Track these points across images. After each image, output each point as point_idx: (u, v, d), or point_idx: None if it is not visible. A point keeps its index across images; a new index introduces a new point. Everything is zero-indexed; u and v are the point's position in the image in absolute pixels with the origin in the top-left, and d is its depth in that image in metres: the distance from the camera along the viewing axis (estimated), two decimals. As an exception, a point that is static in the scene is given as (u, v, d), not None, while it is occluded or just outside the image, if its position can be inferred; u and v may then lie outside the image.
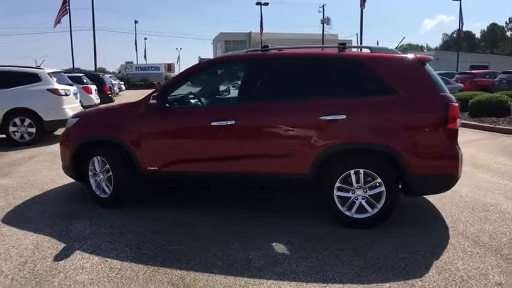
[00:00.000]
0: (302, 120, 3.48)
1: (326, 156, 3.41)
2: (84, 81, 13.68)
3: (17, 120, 7.61)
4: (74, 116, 4.35)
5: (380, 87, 3.40)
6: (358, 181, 3.42)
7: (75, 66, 31.55)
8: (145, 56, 60.13)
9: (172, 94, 3.91)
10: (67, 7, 29.41)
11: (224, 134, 3.61)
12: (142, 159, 3.85)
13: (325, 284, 2.61)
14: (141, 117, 3.82)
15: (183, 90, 4.12)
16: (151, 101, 3.62)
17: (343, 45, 3.68)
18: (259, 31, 44.39)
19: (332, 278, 2.69)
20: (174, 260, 2.95)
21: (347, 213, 3.47)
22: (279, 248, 3.15)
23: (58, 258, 2.99)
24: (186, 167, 3.81)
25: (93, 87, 13.55)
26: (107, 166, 3.96)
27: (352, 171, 3.40)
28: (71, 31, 30.84)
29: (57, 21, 28.32)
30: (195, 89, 4.31)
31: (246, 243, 3.21)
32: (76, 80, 13.67)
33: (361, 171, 3.38)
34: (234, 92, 3.99)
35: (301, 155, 3.46)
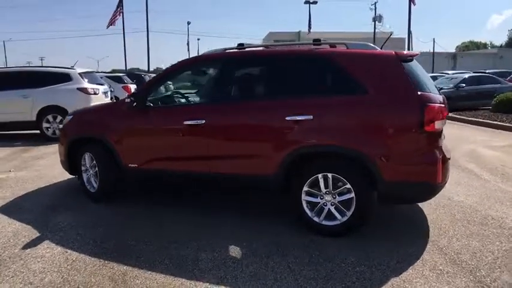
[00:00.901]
0: (268, 120, 3.36)
1: (293, 158, 3.26)
2: (125, 81, 14.49)
3: (50, 117, 8.25)
4: (70, 114, 4.60)
5: (350, 85, 3.18)
6: (326, 186, 3.23)
7: (135, 67, 33.61)
8: (198, 57, 61.96)
9: (153, 93, 3.97)
10: (121, 10, 31.34)
11: (196, 134, 3.60)
12: (124, 156, 3.97)
13: (260, 293, 2.50)
14: (122, 115, 3.95)
15: (168, 89, 4.17)
16: (127, 100, 3.72)
17: (317, 42, 3.48)
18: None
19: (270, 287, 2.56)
20: (127, 256, 3.00)
21: (315, 219, 3.29)
22: (234, 251, 3.07)
23: (26, 246, 3.18)
24: (162, 164, 3.86)
25: (133, 87, 14.27)
26: (94, 162, 4.16)
27: (320, 176, 3.21)
28: (124, 33, 32.87)
29: (111, 23, 30.23)
30: (181, 88, 4.35)
31: (204, 244, 3.17)
32: (117, 80, 14.53)
33: (330, 175, 3.19)
34: (208, 91, 3.95)
35: (268, 156, 3.34)
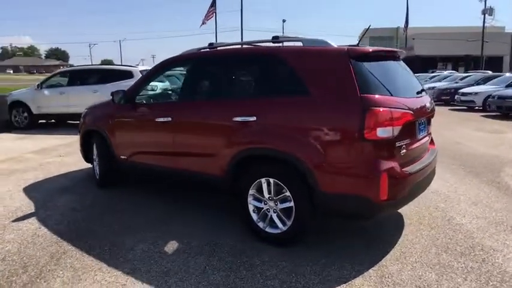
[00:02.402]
0: (218, 120, 3.33)
1: (238, 160, 3.18)
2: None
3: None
4: (86, 108, 5.17)
5: (293, 86, 2.97)
6: (269, 192, 3.08)
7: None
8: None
9: (140, 91, 4.25)
10: (214, 9, 33.27)
11: (165, 130, 3.76)
12: (116, 148, 4.36)
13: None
14: (115, 110, 4.32)
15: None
16: (111, 97, 4.07)
17: (275, 39, 3.31)
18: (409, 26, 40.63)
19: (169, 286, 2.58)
20: (81, 238, 3.30)
21: (260, 224, 3.18)
22: (171, 246, 3.15)
23: (16, 220, 3.74)
24: (144, 158, 4.13)
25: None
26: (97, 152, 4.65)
27: (263, 180, 3.09)
28: (216, 32, 34.88)
29: (203, 23, 32.31)
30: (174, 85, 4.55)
31: (151, 236, 3.32)
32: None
33: (271, 180, 3.04)
34: (177, 90, 4.07)
35: (218, 156, 3.32)
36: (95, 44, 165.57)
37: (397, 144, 2.73)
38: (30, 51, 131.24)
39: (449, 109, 15.07)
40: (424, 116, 3.17)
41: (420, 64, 44.57)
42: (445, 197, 4.31)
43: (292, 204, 2.95)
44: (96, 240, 3.27)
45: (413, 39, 45.69)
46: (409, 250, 3.03)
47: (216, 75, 3.63)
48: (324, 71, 2.85)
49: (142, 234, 3.36)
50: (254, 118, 3.06)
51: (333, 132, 2.73)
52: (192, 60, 3.82)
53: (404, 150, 2.81)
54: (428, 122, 3.44)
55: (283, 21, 57.42)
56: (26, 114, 10.07)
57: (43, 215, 3.87)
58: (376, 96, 2.66)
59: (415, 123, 3.03)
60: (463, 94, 14.69)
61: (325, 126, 2.76)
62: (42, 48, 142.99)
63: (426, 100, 3.28)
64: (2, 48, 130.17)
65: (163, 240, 3.26)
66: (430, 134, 3.58)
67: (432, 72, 29.22)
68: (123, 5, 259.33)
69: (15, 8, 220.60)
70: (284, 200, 3.02)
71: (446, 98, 16.78)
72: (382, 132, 2.61)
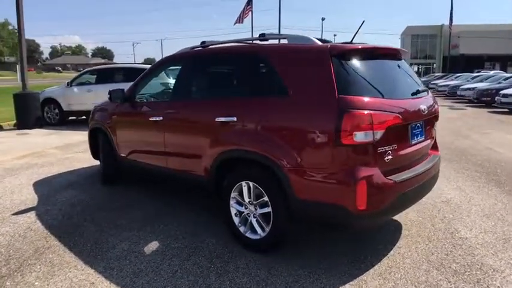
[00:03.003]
0: (203, 121, 3.26)
1: (220, 161, 3.10)
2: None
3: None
4: (94, 106, 5.28)
5: (273, 85, 2.84)
6: (250, 196, 2.97)
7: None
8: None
9: (139, 89, 4.26)
10: (250, 8, 33.34)
11: (157, 129, 3.75)
12: (117, 146, 4.43)
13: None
14: (116, 109, 4.39)
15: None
16: (108, 95, 4.12)
17: (262, 36, 3.17)
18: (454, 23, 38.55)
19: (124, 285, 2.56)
20: (69, 234, 3.37)
21: (241, 229, 3.08)
22: (151, 247, 3.12)
23: (17, 213, 3.89)
24: (139, 156, 4.16)
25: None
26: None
27: (243, 183, 2.99)
28: (252, 30, 34.96)
29: (238, 21, 32.39)
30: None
31: (134, 235, 3.32)
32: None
33: (251, 184, 2.93)
34: (169, 90, 4.04)
35: (203, 157, 3.26)
36: (138, 43, 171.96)
37: (380, 149, 2.52)
38: (78, 50, 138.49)
39: (488, 111, 14.08)
40: (419, 119, 2.91)
41: (465, 63, 42.17)
42: (455, 207, 3.97)
43: (270, 209, 2.83)
44: (82, 237, 3.32)
45: (459, 37, 43.29)
46: (397, 265, 2.80)
47: (201, 75, 3.57)
48: (303, 70, 2.69)
49: (128, 233, 3.38)
50: (234, 119, 2.96)
51: (309, 135, 2.56)
52: (182, 60, 3.79)
53: (389, 157, 2.58)
54: (429, 126, 3.16)
55: (322, 19, 56.55)
56: (57, 110, 10.59)
57: (42, 209, 4.00)
58: (356, 97, 2.46)
59: (407, 126, 2.79)
60: (504, 95, 13.64)
61: (302, 129, 2.60)
62: (89, 47, 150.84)
63: (424, 102, 3.01)
64: (52, 47, 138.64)
65: (146, 240, 3.25)
66: (432, 138, 3.30)
67: (478, 72, 27.55)
68: (165, 5, 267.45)
69: (66, 8, 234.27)
70: (263, 205, 2.90)
71: (487, 99, 15.70)
72: (361, 137, 2.42)
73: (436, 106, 3.26)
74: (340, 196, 2.47)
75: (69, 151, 7.05)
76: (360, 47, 2.70)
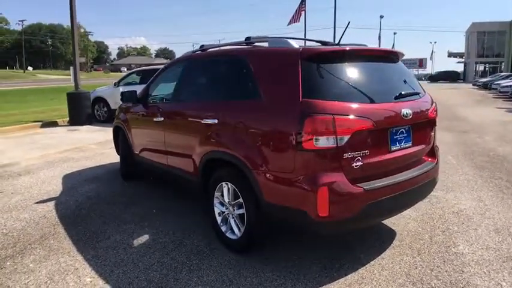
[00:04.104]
0: (194, 122, 3.37)
1: (206, 161, 3.20)
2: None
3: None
4: (118, 107, 5.65)
5: (249, 88, 2.87)
6: (229, 196, 3.04)
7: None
8: (392, 51, 59.16)
9: (151, 91, 4.50)
10: (303, 7, 33.14)
11: (159, 129, 3.96)
12: (132, 144, 4.74)
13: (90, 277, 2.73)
14: (132, 109, 4.70)
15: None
16: (120, 97, 4.41)
17: (247, 40, 3.20)
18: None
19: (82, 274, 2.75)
20: (74, 224, 3.68)
21: (223, 228, 3.16)
22: (139, 240, 3.32)
23: (39, 202, 4.32)
24: (147, 154, 4.42)
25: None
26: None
27: (224, 184, 3.07)
28: (305, 30, 34.70)
29: (293, 21, 32.29)
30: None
31: (131, 229, 3.54)
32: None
33: (229, 185, 2.99)
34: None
35: (193, 157, 3.39)
36: (196, 44, 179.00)
37: (347, 155, 2.44)
38: (143, 51, 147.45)
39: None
40: (402, 124, 2.75)
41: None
42: (465, 218, 3.68)
43: (244, 211, 2.87)
44: (86, 227, 3.62)
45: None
46: (372, 276, 2.69)
47: (194, 77, 3.70)
48: (275, 73, 2.69)
49: (126, 226, 3.61)
50: (216, 121, 3.05)
51: (276, 139, 2.57)
52: (180, 63, 3.97)
53: (358, 163, 2.49)
54: (420, 131, 2.97)
55: (381, 16, 54.34)
56: (105, 108, 11.45)
57: (62, 199, 4.41)
58: (320, 101, 2.41)
59: (386, 132, 2.66)
60: None
61: (270, 132, 2.62)
62: (153, 48, 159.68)
63: (412, 106, 2.82)
64: (119, 48, 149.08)
65: (139, 233, 3.45)
66: (427, 144, 3.09)
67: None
68: (223, 6, 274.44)
69: (134, 11, 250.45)
70: (240, 206, 2.95)
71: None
72: (323, 142, 2.36)
73: (431, 110, 3.06)
74: (303, 202, 2.44)
75: (106, 147, 7.61)
76: (334, 49, 2.63)
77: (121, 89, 11.26)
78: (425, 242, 3.21)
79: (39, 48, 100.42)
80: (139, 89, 10.45)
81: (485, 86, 30.02)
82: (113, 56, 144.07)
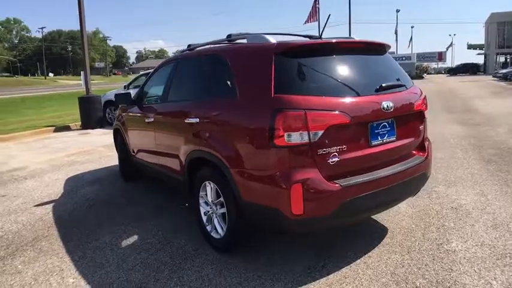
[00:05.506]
0: (178, 122, 3.35)
1: (190, 161, 3.19)
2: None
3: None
4: (118, 109, 5.72)
5: (227, 85, 2.82)
6: (212, 195, 3.02)
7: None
8: (409, 45, 57.99)
9: (146, 91, 4.52)
10: (317, 5, 32.91)
11: (150, 130, 3.98)
12: (129, 145, 4.78)
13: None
14: (127, 110, 4.74)
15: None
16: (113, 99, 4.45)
17: (228, 37, 3.16)
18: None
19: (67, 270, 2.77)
20: (68, 226, 3.74)
21: (208, 228, 3.15)
22: (130, 240, 3.34)
23: (38, 205, 4.42)
24: (141, 155, 4.45)
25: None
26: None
27: (207, 183, 3.05)
28: (319, 27, 34.34)
29: (308, 20, 32.17)
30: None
31: (122, 230, 3.57)
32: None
33: (212, 184, 2.97)
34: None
35: (178, 157, 3.39)
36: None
37: (321, 151, 2.37)
38: (161, 54, 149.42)
39: None
40: (384, 118, 2.65)
41: None
42: (463, 214, 3.53)
43: (225, 210, 2.84)
44: (79, 228, 3.67)
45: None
46: (355, 275, 2.61)
47: (179, 77, 3.67)
48: (249, 69, 2.66)
49: (117, 228, 3.64)
50: (197, 120, 3.03)
51: (250, 136, 2.53)
52: (169, 63, 3.97)
53: (335, 159, 2.41)
54: (406, 124, 2.86)
55: (397, 11, 53.24)
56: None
57: (61, 202, 4.50)
58: (291, 96, 2.35)
59: (365, 126, 2.57)
60: None
61: (245, 129, 2.58)
62: (171, 51, 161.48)
63: (395, 98, 2.70)
64: (137, 52, 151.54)
65: (129, 234, 3.48)
66: (415, 137, 2.98)
67: None
68: (238, 6, 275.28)
69: (152, 14, 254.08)
70: (222, 205, 2.92)
71: None
72: (296, 138, 2.30)
73: (419, 102, 2.94)
74: (277, 200, 2.39)
75: (113, 149, 7.63)
76: (309, 43, 2.56)
77: (131, 91, 11.46)
78: (417, 239, 3.10)
79: (59, 54, 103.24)
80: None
81: (506, 77, 28.93)
82: (132, 59, 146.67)
